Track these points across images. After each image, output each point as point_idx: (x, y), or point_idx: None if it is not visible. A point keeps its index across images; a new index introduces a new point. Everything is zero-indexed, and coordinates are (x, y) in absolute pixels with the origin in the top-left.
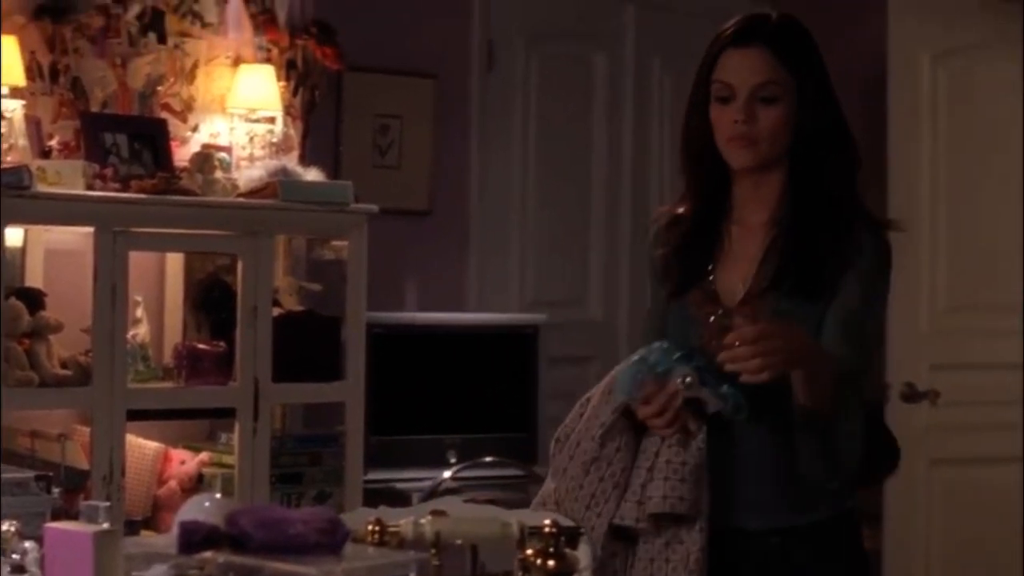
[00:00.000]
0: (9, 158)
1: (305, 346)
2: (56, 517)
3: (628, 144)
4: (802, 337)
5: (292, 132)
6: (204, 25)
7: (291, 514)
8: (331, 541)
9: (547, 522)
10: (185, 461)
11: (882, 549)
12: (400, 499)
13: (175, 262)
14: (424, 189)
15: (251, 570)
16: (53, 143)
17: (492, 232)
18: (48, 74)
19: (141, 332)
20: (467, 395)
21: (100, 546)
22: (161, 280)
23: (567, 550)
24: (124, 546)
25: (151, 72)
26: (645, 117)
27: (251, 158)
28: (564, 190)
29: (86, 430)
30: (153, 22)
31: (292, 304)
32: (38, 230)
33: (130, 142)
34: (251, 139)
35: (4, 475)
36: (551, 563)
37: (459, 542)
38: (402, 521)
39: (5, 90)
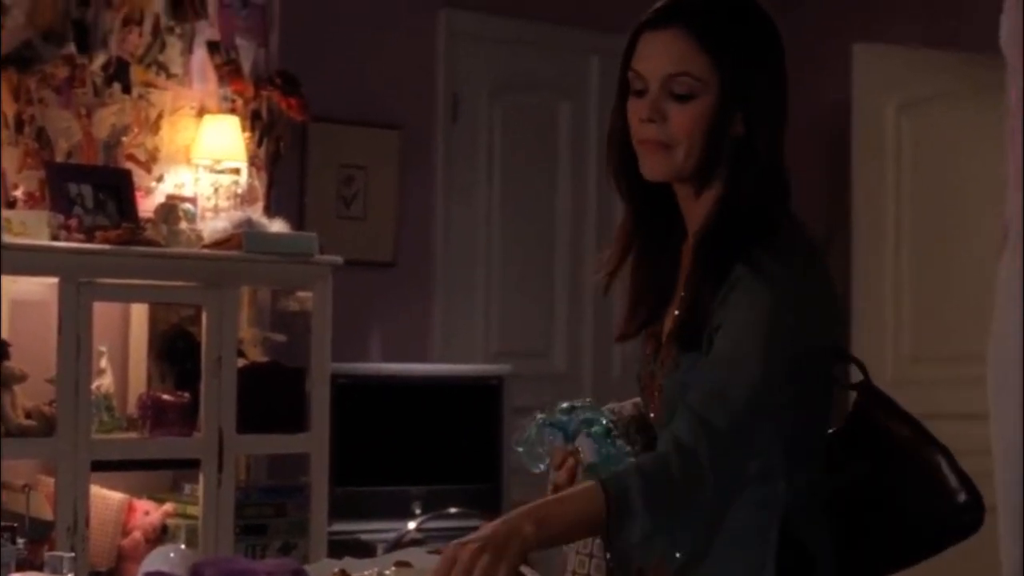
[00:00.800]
0: None
1: (270, 397)
2: (21, 568)
3: (593, 194)
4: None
5: (257, 183)
6: (169, 76)
7: (255, 565)
8: None
9: None
10: (149, 512)
11: None
12: (365, 550)
13: (140, 313)
14: (389, 240)
15: None
16: (18, 193)
17: (457, 283)
18: (13, 124)
19: (105, 383)
20: (432, 446)
21: None
22: (125, 331)
23: None
24: None
25: (116, 122)
26: None
27: (216, 209)
28: (529, 241)
29: (50, 481)
30: (118, 73)
31: (257, 355)
32: (3, 280)
33: (95, 192)
34: (216, 190)
35: None
36: None
37: None
38: (366, 572)
39: None
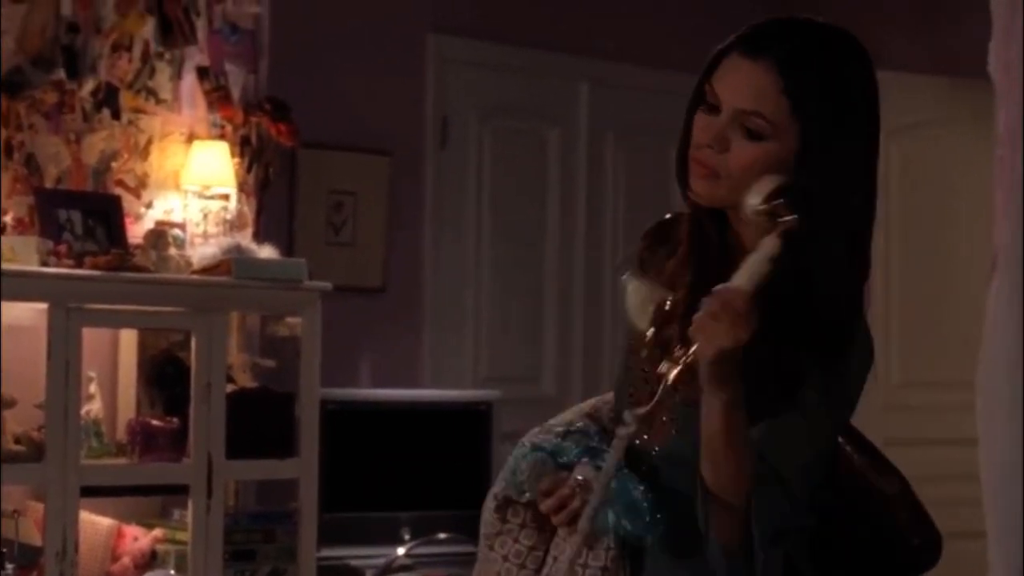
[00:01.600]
0: None
1: (259, 422)
2: None
3: (582, 220)
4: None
5: (246, 209)
6: (158, 102)
7: None
8: None
9: None
10: (138, 538)
11: None
12: None
13: (129, 338)
14: (378, 266)
15: None
16: (7, 219)
17: (446, 309)
18: (3, 150)
19: (95, 408)
20: (421, 471)
21: None
22: (115, 356)
23: None
24: None
25: (105, 148)
26: (599, 192)
27: (205, 235)
28: (518, 266)
29: (39, 506)
30: (107, 98)
31: (246, 380)
32: None
33: (84, 218)
34: (205, 216)
35: None
36: None
37: None
38: None
39: None
